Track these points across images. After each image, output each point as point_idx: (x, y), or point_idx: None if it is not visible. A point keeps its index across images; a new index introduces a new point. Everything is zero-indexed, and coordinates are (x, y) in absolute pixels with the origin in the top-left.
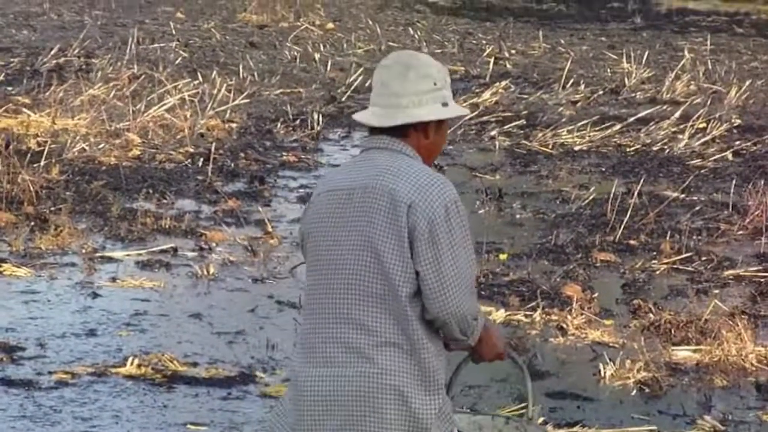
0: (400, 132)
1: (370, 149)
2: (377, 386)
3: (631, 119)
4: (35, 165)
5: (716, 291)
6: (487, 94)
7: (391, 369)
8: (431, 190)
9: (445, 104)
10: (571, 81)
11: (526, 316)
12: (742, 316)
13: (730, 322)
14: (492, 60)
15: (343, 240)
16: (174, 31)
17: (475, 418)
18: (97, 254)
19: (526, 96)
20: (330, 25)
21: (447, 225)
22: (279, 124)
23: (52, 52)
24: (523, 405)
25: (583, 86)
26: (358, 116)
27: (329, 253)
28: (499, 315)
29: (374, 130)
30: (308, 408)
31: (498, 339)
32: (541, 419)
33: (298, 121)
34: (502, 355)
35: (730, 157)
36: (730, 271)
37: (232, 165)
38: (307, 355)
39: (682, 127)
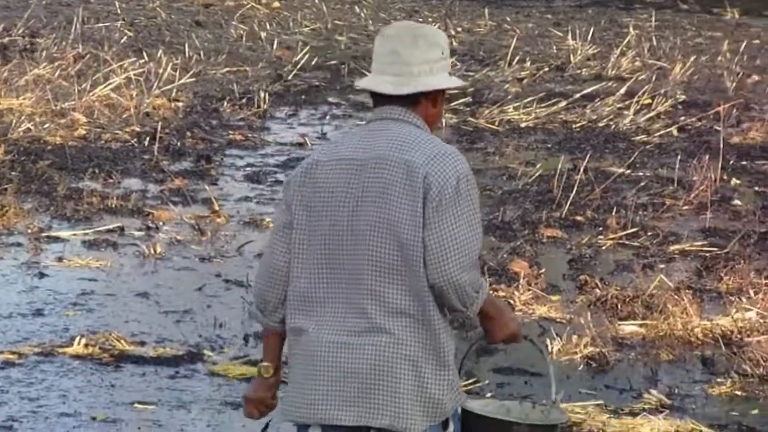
0: (411, 101)
1: (380, 120)
2: (392, 356)
3: (577, 96)
4: None
5: (662, 266)
6: None
7: (405, 340)
8: (446, 161)
9: (450, 74)
10: (517, 58)
11: None
12: (688, 291)
13: (676, 297)
14: None
15: (357, 211)
16: (119, 11)
17: (503, 402)
18: (44, 234)
19: (472, 73)
20: (276, 4)
21: (455, 195)
22: (225, 103)
23: None
24: (472, 381)
25: (528, 63)
26: (364, 83)
27: (344, 224)
28: None
29: (383, 100)
30: (323, 377)
31: (511, 319)
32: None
33: (244, 100)
34: (516, 337)
35: (675, 132)
36: (676, 246)
37: (179, 144)
38: (322, 322)
39: (627, 103)
